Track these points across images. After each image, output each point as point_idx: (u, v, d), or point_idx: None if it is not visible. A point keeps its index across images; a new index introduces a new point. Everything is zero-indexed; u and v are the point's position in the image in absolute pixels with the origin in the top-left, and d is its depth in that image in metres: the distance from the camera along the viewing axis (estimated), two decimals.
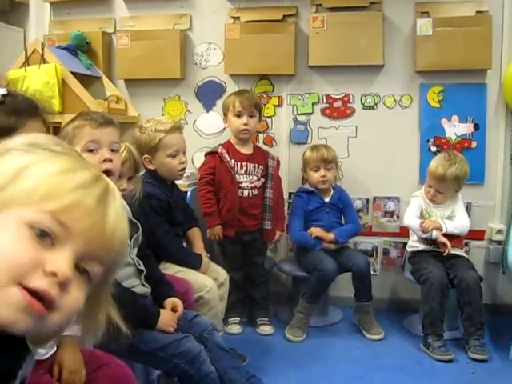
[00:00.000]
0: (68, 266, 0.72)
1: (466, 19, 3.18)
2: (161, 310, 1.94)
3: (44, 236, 0.72)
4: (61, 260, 0.72)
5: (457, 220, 3.03)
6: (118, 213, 0.79)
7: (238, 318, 3.12)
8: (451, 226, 2.97)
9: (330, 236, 3.10)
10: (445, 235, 2.96)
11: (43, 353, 1.51)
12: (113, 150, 1.88)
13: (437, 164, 2.99)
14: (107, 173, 1.87)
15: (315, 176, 3.14)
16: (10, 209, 0.72)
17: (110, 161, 1.84)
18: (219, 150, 3.08)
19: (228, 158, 3.05)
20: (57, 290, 0.71)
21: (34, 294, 0.69)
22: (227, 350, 2.09)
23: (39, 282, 0.70)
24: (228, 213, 3.03)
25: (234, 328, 3.06)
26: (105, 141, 1.85)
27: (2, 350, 0.75)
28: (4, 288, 0.69)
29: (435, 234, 2.95)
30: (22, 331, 0.72)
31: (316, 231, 3.10)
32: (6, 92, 1.43)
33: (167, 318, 1.93)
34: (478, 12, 3.22)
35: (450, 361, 2.69)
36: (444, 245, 2.94)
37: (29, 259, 0.70)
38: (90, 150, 1.83)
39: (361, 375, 2.58)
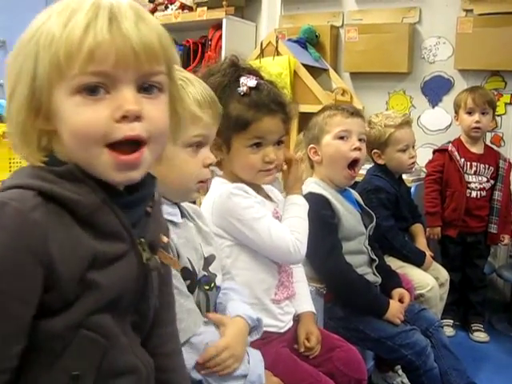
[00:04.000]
0: (132, 100, 0.77)
1: None
2: (390, 301, 1.96)
3: (94, 91, 0.75)
4: (122, 99, 0.76)
5: None
6: (134, 21, 0.77)
7: (452, 321, 3.03)
8: None
9: None
10: None
11: (282, 325, 1.59)
12: (360, 140, 1.95)
13: None
14: (355, 162, 1.95)
15: None
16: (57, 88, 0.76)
17: (360, 149, 1.94)
18: (449, 148, 3.00)
19: (458, 157, 2.97)
20: (138, 126, 0.77)
21: (123, 143, 0.77)
22: (451, 349, 2.05)
23: (119, 134, 0.76)
24: (453, 212, 2.95)
25: (447, 330, 2.96)
26: (355, 130, 1.94)
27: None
28: (97, 156, 0.77)
29: None
30: (129, 181, 0.82)
31: None
32: (254, 85, 1.52)
33: (396, 309, 1.94)
34: None
35: None
36: None
37: (98, 120, 0.76)
38: (341, 138, 1.93)
39: None
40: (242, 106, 1.51)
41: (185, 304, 1.15)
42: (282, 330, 1.59)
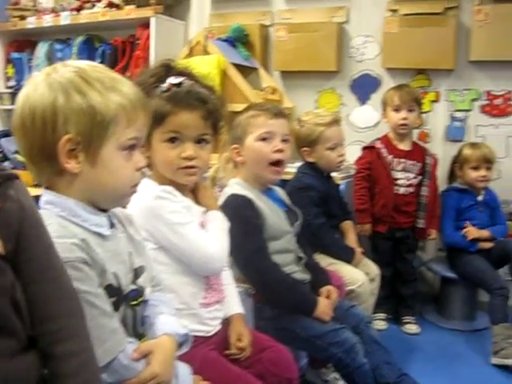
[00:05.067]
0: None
1: None
2: (319, 299, 1.97)
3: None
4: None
5: None
6: None
7: (384, 315, 3.08)
8: None
9: (487, 233, 2.99)
10: None
11: (209, 330, 1.58)
12: (284, 141, 1.96)
13: None
14: (278, 162, 1.95)
15: (474, 175, 3.02)
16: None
17: (282, 151, 1.94)
18: (377, 145, 3.06)
19: (385, 154, 3.02)
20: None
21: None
22: (381, 344, 2.07)
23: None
24: (382, 209, 3.01)
25: (380, 324, 3.02)
26: (278, 131, 1.94)
27: None
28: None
29: None
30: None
31: (471, 233, 2.98)
32: (177, 82, 1.53)
33: (324, 306, 1.95)
34: None
35: None
36: None
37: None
38: (264, 139, 1.93)
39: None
40: (161, 101, 1.50)
41: (109, 324, 1.10)
42: (209, 334, 1.58)
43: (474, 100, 3.34)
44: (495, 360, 2.59)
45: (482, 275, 2.86)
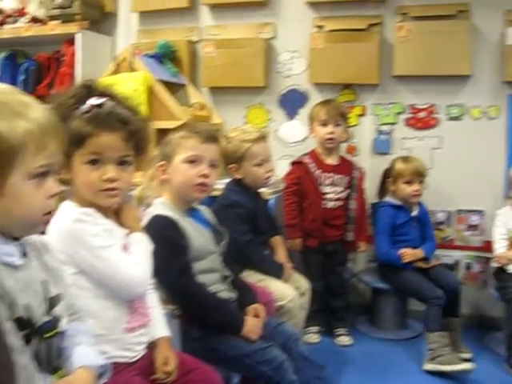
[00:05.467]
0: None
1: None
2: (246, 318, 1.96)
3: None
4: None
5: None
6: None
7: (317, 328, 3.10)
8: None
9: (421, 253, 3.04)
10: None
11: (133, 355, 1.55)
12: (212, 166, 1.97)
13: None
14: (203, 185, 1.94)
15: (408, 190, 3.05)
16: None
17: (207, 177, 1.95)
18: (305, 160, 3.09)
19: (313, 169, 3.05)
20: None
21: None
22: (310, 359, 2.09)
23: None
24: (312, 223, 3.04)
25: (313, 337, 3.05)
26: (207, 156, 1.95)
27: None
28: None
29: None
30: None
31: (408, 255, 3.00)
32: (98, 103, 1.50)
33: (252, 324, 1.95)
34: None
35: None
36: None
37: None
38: (191, 162, 1.94)
39: None
40: (82, 122, 1.47)
41: (20, 360, 1.05)
42: (133, 360, 1.55)
43: (398, 113, 3.43)
44: (430, 366, 2.65)
45: (418, 286, 2.91)
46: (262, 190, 2.75)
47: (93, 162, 1.49)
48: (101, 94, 1.53)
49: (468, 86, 3.31)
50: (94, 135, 1.47)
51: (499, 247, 2.95)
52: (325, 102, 3.15)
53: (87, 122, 1.47)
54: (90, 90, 1.54)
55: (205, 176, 1.94)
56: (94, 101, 1.50)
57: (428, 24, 3.27)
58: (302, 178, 3.05)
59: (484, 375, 2.68)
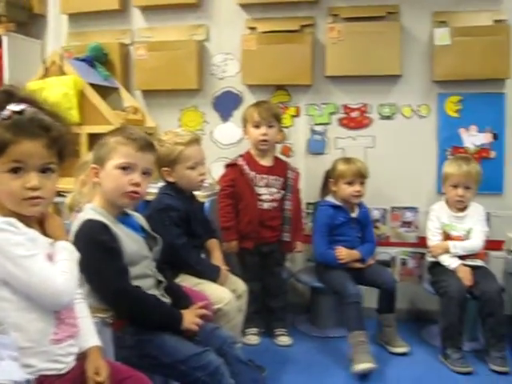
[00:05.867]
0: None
1: (483, 28, 3.17)
2: (182, 312, 1.96)
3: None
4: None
5: (470, 240, 2.98)
6: None
7: (256, 329, 3.10)
8: (460, 247, 2.94)
9: (357, 254, 3.05)
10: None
11: (61, 367, 1.51)
12: (145, 173, 1.94)
13: (455, 163, 3.01)
14: (134, 193, 1.91)
15: (349, 190, 3.05)
16: None
17: (139, 185, 1.92)
18: (239, 162, 3.08)
19: (248, 171, 3.05)
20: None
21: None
22: (247, 363, 2.08)
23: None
24: (248, 225, 3.04)
25: (252, 339, 3.05)
26: (141, 165, 1.93)
27: None
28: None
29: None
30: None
31: (343, 256, 3.01)
32: (18, 109, 1.45)
33: (190, 316, 1.96)
34: (496, 21, 3.21)
35: (469, 373, 2.65)
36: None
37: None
38: (123, 168, 1.90)
39: None
40: (1, 129, 1.42)
41: None
42: (63, 372, 1.50)
43: (332, 113, 3.47)
44: (353, 368, 2.65)
45: (337, 285, 2.93)
46: (196, 193, 2.73)
47: (14, 170, 1.43)
48: (22, 100, 1.49)
49: (399, 85, 3.38)
50: (15, 143, 1.42)
51: (434, 240, 3.03)
52: (258, 104, 3.15)
53: (7, 128, 1.42)
54: (10, 95, 1.49)
55: (136, 185, 1.91)
56: (14, 107, 1.45)
57: (359, 25, 3.33)
58: (236, 180, 3.04)
59: (421, 367, 2.76)
